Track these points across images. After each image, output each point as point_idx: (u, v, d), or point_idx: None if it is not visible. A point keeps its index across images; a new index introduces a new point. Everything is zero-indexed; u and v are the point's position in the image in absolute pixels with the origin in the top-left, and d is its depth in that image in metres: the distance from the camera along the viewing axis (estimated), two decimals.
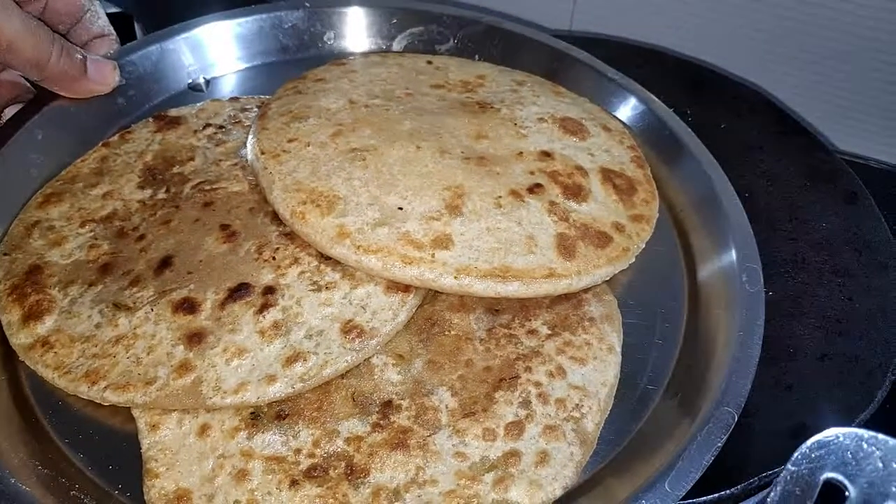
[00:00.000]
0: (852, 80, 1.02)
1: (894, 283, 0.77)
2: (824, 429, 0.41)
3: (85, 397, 0.52)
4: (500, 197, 0.61)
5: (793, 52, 1.02)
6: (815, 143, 0.94)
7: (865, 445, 0.39)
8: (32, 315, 0.56)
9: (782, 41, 1.02)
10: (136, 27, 1.12)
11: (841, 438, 0.39)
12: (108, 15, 0.74)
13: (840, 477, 0.39)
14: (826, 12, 0.97)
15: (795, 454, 0.41)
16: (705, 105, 0.96)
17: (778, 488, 0.40)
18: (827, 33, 0.99)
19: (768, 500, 0.40)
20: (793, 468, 0.40)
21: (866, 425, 0.67)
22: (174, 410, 0.51)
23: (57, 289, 0.58)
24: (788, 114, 0.99)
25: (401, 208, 0.58)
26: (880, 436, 0.39)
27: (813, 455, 0.40)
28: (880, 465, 0.39)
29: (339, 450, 0.50)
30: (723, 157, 0.71)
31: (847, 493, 0.39)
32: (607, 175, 0.66)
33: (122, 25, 1.10)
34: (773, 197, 0.87)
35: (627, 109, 0.79)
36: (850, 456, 0.39)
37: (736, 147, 0.91)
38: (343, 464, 0.49)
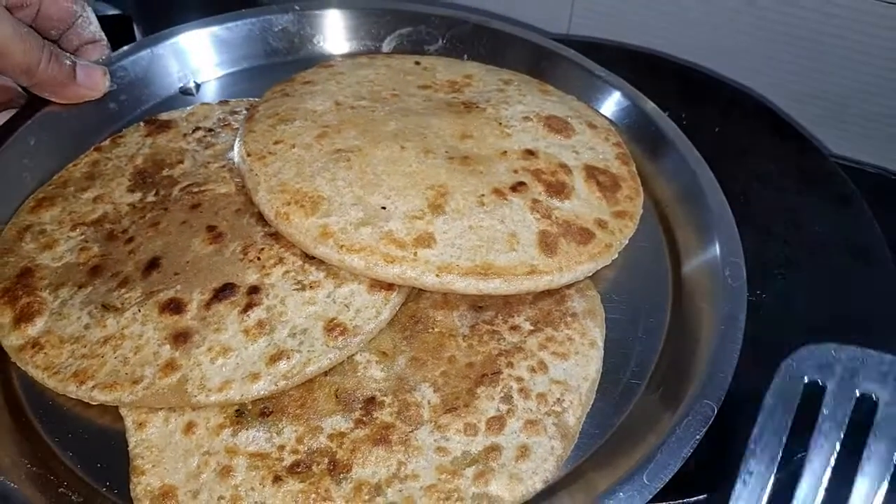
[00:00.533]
0: (846, 85, 1.02)
1: (887, 286, 0.77)
2: None
3: (74, 397, 0.53)
4: (482, 195, 0.61)
5: (787, 56, 1.02)
6: (809, 148, 0.94)
7: (833, 353, 0.50)
8: (23, 317, 0.57)
9: (777, 46, 1.02)
10: (136, 29, 1.13)
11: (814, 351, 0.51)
12: (108, 17, 0.75)
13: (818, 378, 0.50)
14: (821, 18, 0.97)
15: (781, 365, 0.51)
16: (700, 109, 0.97)
17: (772, 388, 0.50)
18: (822, 38, 0.99)
19: (765, 401, 0.50)
20: (779, 378, 0.51)
21: None
22: (161, 409, 0.52)
23: (47, 291, 0.59)
24: (783, 118, 0.99)
25: (384, 208, 0.59)
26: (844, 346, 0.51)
27: (795, 365, 0.51)
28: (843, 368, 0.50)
29: (321, 446, 0.51)
30: (718, 160, 0.71)
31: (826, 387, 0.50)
32: (591, 172, 0.67)
33: (122, 27, 1.12)
34: (768, 200, 0.87)
35: (614, 106, 0.79)
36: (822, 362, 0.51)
37: (731, 151, 0.92)
38: (326, 459, 0.50)
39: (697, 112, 0.93)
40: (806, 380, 0.50)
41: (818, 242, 0.82)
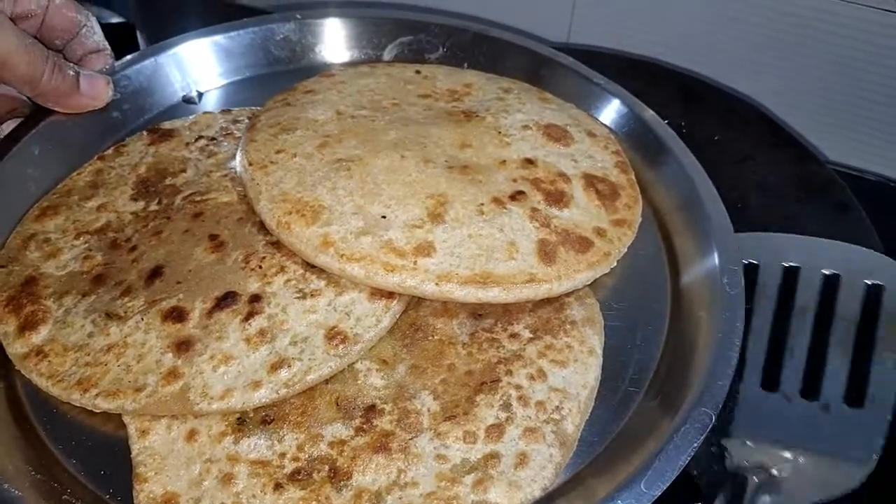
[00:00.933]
0: (845, 93, 1.02)
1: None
2: None
3: (78, 405, 0.54)
4: (482, 204, 0.62)
5: (786, 64, 1.03)
6: (807, 155, 0.95)
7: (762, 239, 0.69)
8: (28, 325, 0.57)
9: (776, 55, 1.03)
10: (139, 37, 1.14)
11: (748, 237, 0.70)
12: (112, 24, 0.76)
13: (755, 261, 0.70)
14: (821, 25, 0.98)
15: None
16: (699, 117, 0.97)
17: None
18: (821, 46, 0.99)
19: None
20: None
21: None
22: (163, 416, 0.53)
23: (52, 299, 0.59)
24: (781, 126, 1.00)
25: (384, 217, 0.60)
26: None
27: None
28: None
29: (322, 453, 0.51)
30: (716, 168, 0.72)
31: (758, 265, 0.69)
32: (590, 181, 0.67)
33: (125, 35, 1.13)
34: (766, 208, 0.88)
35: (613, 114, 0.80)
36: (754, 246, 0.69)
37: (729, 158, 0.92)
38: (326, 467, 0.50)
39: (696, 120, 0.93)
40: (745, 262, 0.66)
41: None
